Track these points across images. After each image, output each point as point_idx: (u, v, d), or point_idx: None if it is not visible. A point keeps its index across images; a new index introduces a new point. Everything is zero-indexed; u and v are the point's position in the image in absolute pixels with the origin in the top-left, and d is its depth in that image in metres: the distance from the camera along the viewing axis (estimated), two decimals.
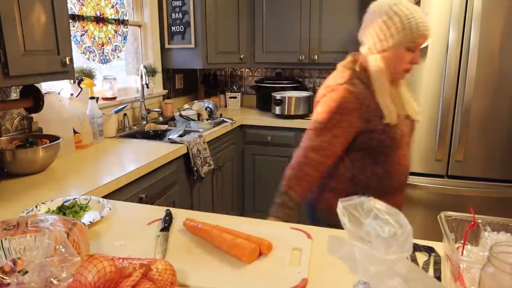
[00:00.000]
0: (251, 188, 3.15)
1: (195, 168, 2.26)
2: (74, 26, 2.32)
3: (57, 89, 2.07)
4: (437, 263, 0.93)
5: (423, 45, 1.31)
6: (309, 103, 3.04)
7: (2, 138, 1.74)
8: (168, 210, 1.19)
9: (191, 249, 0.99)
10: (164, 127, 2.73)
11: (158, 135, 2.67)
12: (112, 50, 2.70)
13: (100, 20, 2.52)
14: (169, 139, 2.30)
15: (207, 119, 2.88)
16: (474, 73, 2.14)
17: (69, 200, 1.28)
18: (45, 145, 1.65)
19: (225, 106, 3.61)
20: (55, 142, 1.69)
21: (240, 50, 3.12)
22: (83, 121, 2.07)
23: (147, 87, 2.69)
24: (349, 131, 1.27)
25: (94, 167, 1.80)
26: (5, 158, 1.57)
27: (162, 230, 1.08)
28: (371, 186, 1.32)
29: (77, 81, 2.22)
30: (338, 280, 0.87)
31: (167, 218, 1.13)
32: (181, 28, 2.95)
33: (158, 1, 2.95)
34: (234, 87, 3.68)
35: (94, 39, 2.51)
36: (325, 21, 2.94)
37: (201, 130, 2.57)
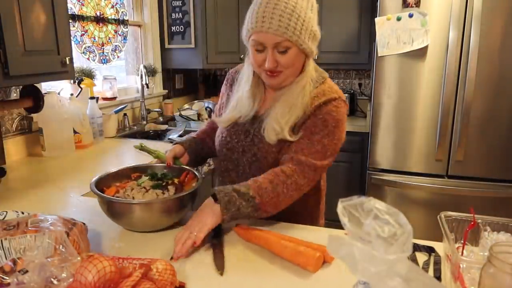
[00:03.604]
0: None
1: (195, 168, 2.26)
2: (74, 26, 2.32)
3: (57, 89, 2.07)
4: (437, 263, 0.93)
5: (260, 44, 1.06)
6: None
7: None
8: None
9: (248, 256, 0.96)
10: (164, 127, 2.73)
11: (158, 135, 2.67)
12: (112, 50, 2.70)
13: (100, 20, 2.52)
14: (169, 139, 2.30)
15: (207, 119, 2.88)
16: (474, 73, 2.14)
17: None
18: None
19: None
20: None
21: (240, 50, 3.11)
22: (83, 121, 2.07)
23: (147, 87, 2.69)
24: None
25: (94, 167, 1.80)
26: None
27: (214, 237, 1.03)
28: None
29: (77, 81, 2.22)
30: (338, 280, 0.87)
31: None
32: (181, 28, 2.95)
33: (158, 1, 2.95)
34: None
35: (94, 39, 2.51)
36: (325, 21, 2.93)
37: None
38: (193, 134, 1.39)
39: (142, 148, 1.27)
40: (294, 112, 1.10)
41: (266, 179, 1.04)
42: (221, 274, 0.88)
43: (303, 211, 1.21)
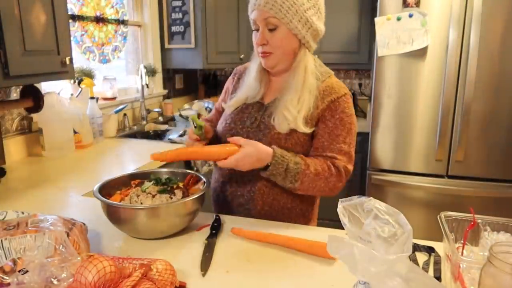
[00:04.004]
0: None
1: (195, 168, 2.26)
2: (74, 26, 2.32)
3: (57, 89, 2.07)
4: (437, 263, 0.93)
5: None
6: None
7: None
8: (217, 216, 1.15)
9: (250, 257, 0.97)
10: (164, 127, 2.73)
11: (158, 135, 2.67)
12: (112, 50, 2.70)
13: (100, 20, 2.52)
14: (169, 139, 2.31)
15: None
16: (474, 73, 2.14)
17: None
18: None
19: None
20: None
21: (240, 50, 3.11)
22: (83, 121, 2.07)
23: (147, 87, 2.69)
24: None
25: (94, 167, 1.80)
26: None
27: (209, 237, 1.05)
28: None
29: (77, 81, 2.22)
30: (338, 280, 0.87)
31: (215, 224, 1.10)
32: (181, 28, 2.95)
33: (158, 1, 2.95)
34: None
35: (94, 39, 2.51)
36: (325, 21, 2.92)
37: None
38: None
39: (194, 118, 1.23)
40: (304, 103, 1.15)
41: (315, 169, 1.11)
42: (203, 275, 0.88)
43: (295, 207, 1.24)
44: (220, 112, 1.40)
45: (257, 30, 1.16)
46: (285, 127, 1.14)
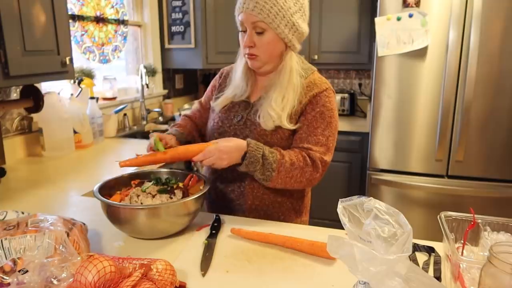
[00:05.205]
0: None
1: (195, 168, 2.26)
2: (74, 26, 2.32)
3: (57, 89, 2.07)
4: (437, 263, 0.93)
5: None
6: None
7: None
8: (217, 216, 1.16)
9: (250, 257, 0.97)
10: (164, 127, 2.73)
11: None
12: (112, 50, 2.70)
13: (100, 20, 2.52)
14: None
15: None
16: (474, 73, 2.14)
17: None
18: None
19: None
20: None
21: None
22: (83, 121, 2.07)
23: (147, 87, 2.69)
24: None
25: (94, 167, 1.80)
26: None
27: (209, 236, 1.05)
28: None
29: (77, 81, 2.22)
30: (338, 280, 0.87)
31: (215, 224, 1.11)
32: (181, 28, 2.95)
33: (158, 1, 2.95)
34: None
35: (94, 39, 2.51)
36: (325, 21, 2.93)
37: None
38: (178, 128, 1.37)
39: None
40: (289, 101, 1.17)
41: (290, 159, 1.12)
42: (203, 275, 0.88)
43: (285, 200, 1.25)
44: (203, 106, 1.41)
45: (244, 31, 1.17)
46: (270, 124, 1.17)
